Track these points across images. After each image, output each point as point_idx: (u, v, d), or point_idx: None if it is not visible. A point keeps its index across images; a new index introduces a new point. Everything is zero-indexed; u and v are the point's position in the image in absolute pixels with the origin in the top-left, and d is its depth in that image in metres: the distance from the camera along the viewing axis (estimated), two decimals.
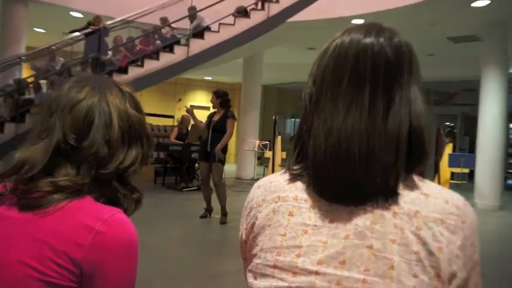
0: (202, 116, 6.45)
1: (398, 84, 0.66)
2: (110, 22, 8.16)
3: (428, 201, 0.62)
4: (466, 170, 8.55)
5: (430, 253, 0.59)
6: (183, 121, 9.35)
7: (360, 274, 0.59)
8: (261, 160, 12.25)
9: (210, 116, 5.80)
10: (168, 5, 8.64)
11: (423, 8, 7.43)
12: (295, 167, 0.72)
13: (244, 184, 9.62)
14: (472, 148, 10.70)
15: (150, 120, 10.59)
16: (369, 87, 0.66)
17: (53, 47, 8.04)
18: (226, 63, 10.15)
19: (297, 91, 13.12)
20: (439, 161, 8.08)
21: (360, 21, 5.13)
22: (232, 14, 8.35)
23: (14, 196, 0.77)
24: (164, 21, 8.59)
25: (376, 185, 0.63)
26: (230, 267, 3.96)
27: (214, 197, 5.89)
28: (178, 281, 3.67)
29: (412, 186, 0.64)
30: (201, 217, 6.02)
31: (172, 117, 12.67)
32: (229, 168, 9.54)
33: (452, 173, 8.86)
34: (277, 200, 0.70)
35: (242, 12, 8.38)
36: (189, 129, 9.38)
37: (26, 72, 8.40)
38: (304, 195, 0.68)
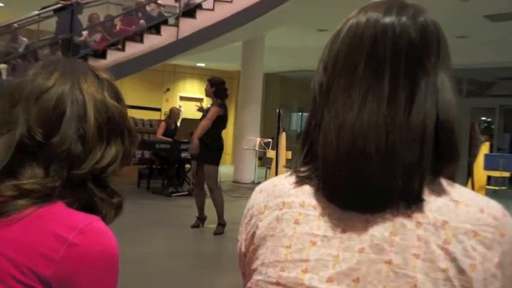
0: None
1: (423, 70, 0.66)
2: None
3: (458, 209, 0.62)
4: (506, 174, 8.52)
5: (461, 271, 0.59)
6: (172, 115, 9.35)
7: None
8: (263, 161, 12.26)
9: (206, 111, 5.87)
10: None
11: None
12: (302, 169, 0.72)
13: (243, 189, 9.60)
14: None
15: (132, 113, 10.57)
16: (388, 74, 0.65)
17: (15, 25, 8.01)
18: (222, 48, 10.13)
19: (304, 80, 13.14)
20: (473, 163, 8.05)
21: None
22: None
23: None
24: None
25: (396, 189, 0.62)
26: (225, 283, 3.96)
27: (208, 204, 5.90)
28: None
29: (440, 191, 0.64)
30: (193, 227, 6.04)
31: (159, 110, 12.66)
32: (226, 170, 9.55)
33: (489, 177, 8.82)
34: (282, 206, 0.70)
35: None
36: (179, 124, 9.38)
37: None
38: (312, 201, 0.68)
